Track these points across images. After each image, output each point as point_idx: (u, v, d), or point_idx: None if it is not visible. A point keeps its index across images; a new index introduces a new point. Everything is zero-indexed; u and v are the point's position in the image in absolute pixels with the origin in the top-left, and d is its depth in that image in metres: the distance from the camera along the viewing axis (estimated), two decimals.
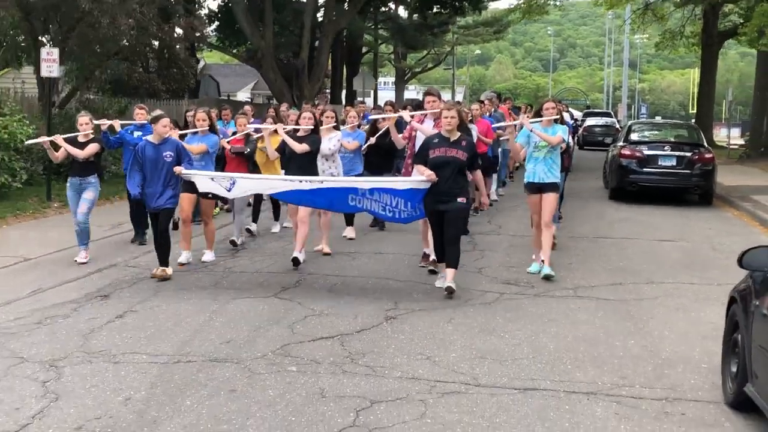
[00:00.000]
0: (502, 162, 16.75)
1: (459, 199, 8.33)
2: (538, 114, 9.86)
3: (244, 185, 9.19)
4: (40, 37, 18.22)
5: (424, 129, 9.50)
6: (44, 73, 15.39)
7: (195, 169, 9.34)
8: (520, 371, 6.18)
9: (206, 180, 9.11)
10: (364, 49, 46.98)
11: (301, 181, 8.86)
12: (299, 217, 9.82)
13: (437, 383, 5.86)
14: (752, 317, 5.13)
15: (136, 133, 10.82)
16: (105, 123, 10.83)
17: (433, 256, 9.27)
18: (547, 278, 9.19)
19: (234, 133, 11.36)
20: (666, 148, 17.10)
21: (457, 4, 36.27)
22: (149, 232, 10.41)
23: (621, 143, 17.82)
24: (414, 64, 62.66)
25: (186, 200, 9.74)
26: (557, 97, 77.44)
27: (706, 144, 18.09)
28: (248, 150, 11.05)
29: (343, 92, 40.10)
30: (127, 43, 17.07)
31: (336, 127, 10.56)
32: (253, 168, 11.24)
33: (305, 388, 5.72)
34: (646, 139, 18.03)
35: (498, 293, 8.64)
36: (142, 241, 11.12)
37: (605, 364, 6.41)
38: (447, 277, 8.47)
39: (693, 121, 34.76)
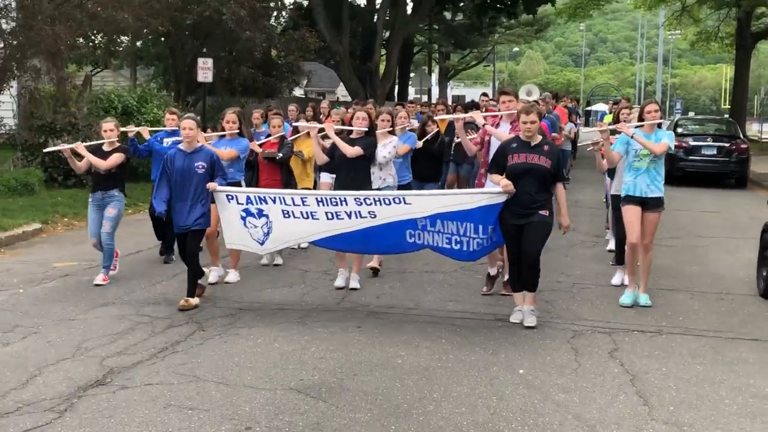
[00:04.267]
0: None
1: (541, 212, 7.36)
2: (640, 118, 8.60)
3: (280, 235, 8.11)
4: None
5: (500, 134, 8.45)
6: (200, 78, 18.98)
7: (224, 179, 8.36)
8: None
9: (237, 229, 8.18)
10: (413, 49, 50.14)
11: (349, 215, 7.81)
12: None
13: (575, 284, 9.32)
14: None
15: (166, 141, 9.83)
16: (132, 129, 10.18)
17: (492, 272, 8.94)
18: (645, 307, 8.44)
19: (268, 136, 10.36)
20: (708, 139, 20.54)
21: (510, 10, 39.35)
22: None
23: None
24: (457, 63, 66.19)
25: (211, 212, 8.48)
26: (594, 92, 79.77)
27: (742, 136, 21.43)
28: (280, 155, 9.99)
29: (396, 89, 43.39)
30: (257, 53, 20.56)
31: (392, 132, 9.39)
32: (288, 175, 10.38)
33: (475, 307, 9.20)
34: (691, 132, 21.47)
35: (593, 243, 12.08)
36: (168, 260, 10.34)
37: (678, 278, 9.84)
38: (526, 302, 7.59)
39: (726, 116, 37.59)
